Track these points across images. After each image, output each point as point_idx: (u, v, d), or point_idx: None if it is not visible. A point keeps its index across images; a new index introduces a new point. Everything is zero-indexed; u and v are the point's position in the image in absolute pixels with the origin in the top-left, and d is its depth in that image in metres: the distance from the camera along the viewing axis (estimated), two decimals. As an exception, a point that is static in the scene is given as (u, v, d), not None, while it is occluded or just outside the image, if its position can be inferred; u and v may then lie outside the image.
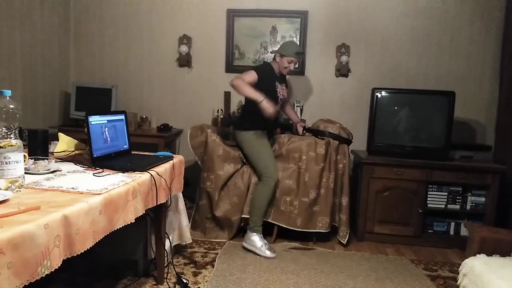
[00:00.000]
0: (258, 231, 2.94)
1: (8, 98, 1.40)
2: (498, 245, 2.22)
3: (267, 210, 3.04)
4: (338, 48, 3.85)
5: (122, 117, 2.23)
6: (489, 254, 2.16)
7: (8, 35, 3.33)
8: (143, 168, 1.88)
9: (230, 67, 4.02)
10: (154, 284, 2.35)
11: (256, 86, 2.89)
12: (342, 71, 3.83)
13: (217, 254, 2.82)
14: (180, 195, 2.54)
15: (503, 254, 2.14)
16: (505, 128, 3.47)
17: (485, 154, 3.39)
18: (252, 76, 2.94)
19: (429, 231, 3.26)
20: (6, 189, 1.36)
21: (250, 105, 2.94)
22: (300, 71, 3.88)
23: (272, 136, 3.28)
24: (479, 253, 2.19)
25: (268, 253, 2.83)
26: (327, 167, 3.06)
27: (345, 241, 3.09)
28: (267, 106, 2.76)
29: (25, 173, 1.49)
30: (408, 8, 3.74)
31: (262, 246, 2.86)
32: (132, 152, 2.28)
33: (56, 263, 1.18)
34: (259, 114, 2.81)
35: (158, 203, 1.93)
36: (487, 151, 3.42)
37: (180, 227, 2.57)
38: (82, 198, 1.37)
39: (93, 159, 1.91)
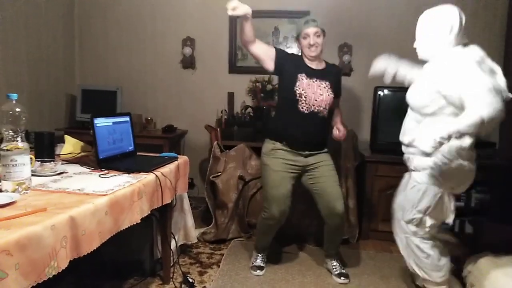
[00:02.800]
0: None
1: (14, 102, 1.43)
2: (504, 242, 2.22)
3: None
4: (341, 48, 3.86)
5: (127, 119, 2.26)
6: (495, 251, 2.16)
7: (13, 39, 3.37)
8: (148, 169, 1.90)
9: (234, 68, 4.04)
10: (161, 284, 2.37)
11: (276, 70, 2.42)
12: (345, 70, 3.82)
13: (223, 254, 2.84)
14: (185, 195, 2.55)
15: (509, 251, 2.14)
16: (509, 124, 3.44)
17: (489, 150, 3.37)
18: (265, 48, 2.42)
19: (434, 229, 3.25)
20: (13, 191, 1.38)
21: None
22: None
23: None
24: (485, 251, 2.19)
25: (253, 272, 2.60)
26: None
27: (355, 241, 3.13)
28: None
29: (32, 175, 1.52)
30: (410, 5, 3.73)
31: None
32: (137, 153, 2.30)
33: (63, 264, 1.20)
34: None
35: (163, 204, 1.95)
36: (491, 147, 3.40)
37: (185, 227, 2.59)
38: (88, 199, 1.40)
39: (99, 161, 1.93)
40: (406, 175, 2.25)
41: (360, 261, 2.82)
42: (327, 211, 2.44)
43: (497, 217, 3.13)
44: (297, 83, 2.36)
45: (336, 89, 2.48)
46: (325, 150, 2.53)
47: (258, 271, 2.58)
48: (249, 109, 3.85)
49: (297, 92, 2.35)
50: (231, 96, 3.97)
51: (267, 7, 3.88)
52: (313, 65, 2.43)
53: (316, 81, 2.38)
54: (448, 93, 1.86)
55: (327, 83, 2.41)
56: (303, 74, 2.38)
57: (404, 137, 2.15)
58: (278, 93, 2.67)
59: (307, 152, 2.44)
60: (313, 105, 2.36)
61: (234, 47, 4.01)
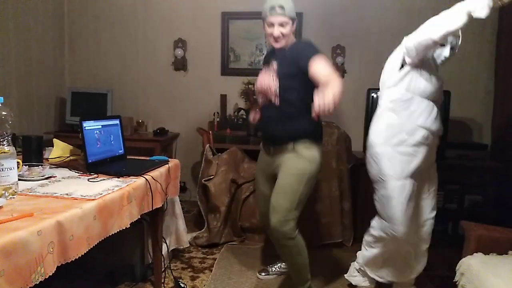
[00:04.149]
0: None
1: (0, 105, 1.40)
2: (495, 243, 2.22)
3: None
4: (334, 49, 3.86)
5: (117, 122, 2.23)
6: (486, 252, 2.15)
7: (2, 41, 3.33)
8: (138, 173, 1.87)
9: (226, 70, 4.03)
10: (152, 289, 2.34)
11: None
12: (338, 72, 3.83)
13: (215, 258, 2.81)
14: (177, 199, 2.53)
15: (500, 253, 2.14)
16: (501, 126, 3.47)
17: (482, 152, 3.39)
18: None
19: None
20: (0, 196, 1.35)
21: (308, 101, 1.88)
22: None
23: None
24: (476, 252, 2.18)
25: None
26: (328, 175, 3.06)
27: (350, 244, 3.12)
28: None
29: (19, 179, 1.49)
30: (402, 8, 3.75)
31: None
32: (128, 157, 2.27)
33: (50, 270, 1.18)
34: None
35: (154, 208, 1.92)
36: (483, 149, 3.42)
37: (177, 231, 2.57)
38: (76, 204, 1.37)
39: (87, 165, 1.90)
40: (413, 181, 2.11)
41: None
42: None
43: (489, 218, 3.15)
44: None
45: (290, 66, 2.01)
46: (290, 146, 2.07)
47: (262, 274, 2.57)
48: (242, 112, 3.84)
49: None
50: (223, 98, 3.95)
51: (259, 9, 3.83)
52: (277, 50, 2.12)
53: (266, 67, 2.10)
54: None
55: (274, 66, 2.05)
56: (266, 65, 2.17)
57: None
58: None
59: (272, 150, 2.18)
60: (263, 96, 2.10)
61: (226, 49, 3.99)
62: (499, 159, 3.32)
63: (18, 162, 1.49)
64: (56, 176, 1.78)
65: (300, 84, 2.01)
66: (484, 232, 2.25)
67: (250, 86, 3.86)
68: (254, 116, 2.31)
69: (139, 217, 1.75)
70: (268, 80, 2.04)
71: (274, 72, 2.05)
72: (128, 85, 4.17)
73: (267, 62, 2.20)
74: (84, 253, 1.34)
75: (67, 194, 1.49)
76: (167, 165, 2.15)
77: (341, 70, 3.84)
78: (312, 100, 1.86)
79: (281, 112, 2.07)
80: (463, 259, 2.18)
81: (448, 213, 3.25)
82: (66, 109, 3.91)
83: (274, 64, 2.07)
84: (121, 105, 4.04)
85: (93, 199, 1.44)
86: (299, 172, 2.05)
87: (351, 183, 3.19)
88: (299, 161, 2.06)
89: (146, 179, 1.84)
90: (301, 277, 2.18)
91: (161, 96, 4.16)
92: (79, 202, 1.41)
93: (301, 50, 2.02)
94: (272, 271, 2.59)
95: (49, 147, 2.29)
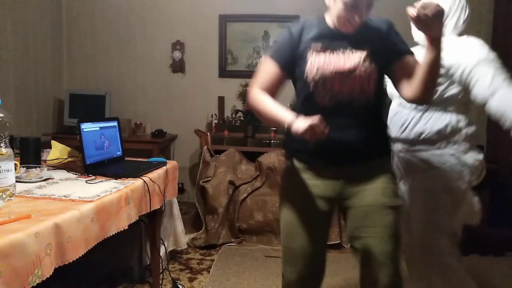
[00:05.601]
0: None
1: (-2, 107, 1.40)
2: (491, 244, 2.24)
3: None
4: (331, 52, 3.87)
5: (115, 123, 2.23)
6: (482, 253, 2.18)
7: (0, 43, 3.33)
8: (136, 174, 1.88)
9: (224, 72, 4.04)
10: (150, 291, 2.34)
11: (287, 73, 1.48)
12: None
13: (213, 260, 2.82)
14: (175, 200, 2.54)
15: (496, 254, 2.16)
16: (496, 128, 3.49)
17: (478, 154, 3.41)
18: (265, 69, 1.50)
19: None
20: (-3, 198, 1.35)
21: None
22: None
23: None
24: (472, 253, 2.20)
25: None
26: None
27: (348, 246, 3.12)
28: (297, 127, 1.20)
29: (17, 181, 1.49)
30: (399, 10, 3.76)
31: None
32: (126, 159, 2.27)
33: (48, 272, 1.17)
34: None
35: (152, 209, 1.92)
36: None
37: (175, 232, 2.57)
38: (74, 206, 1.37)
39: (86, 167, 1.91)
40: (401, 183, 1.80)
41: (350, 266, 2.81)
42: (368, 284, 1.43)
43: (485, 219, 3.16)
44: (308, 62, 1.39)
45: (391, 52, 1.46)
46: (381, 161, 1.46)
47: None
48: (240, 114, 3.85)
49: (308, 75, 1.38)
50: (221, 100, 3.96)
51: (257, 11, 3.89)
52: (341, 26, 1.41)
53: (341, 51, 1.38)
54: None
55: (363, 51, 1.38)
56: (318, 44, 1.39)
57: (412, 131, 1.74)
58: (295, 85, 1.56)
59: (345, 171, 1.41)
60: (339, 91, 1.36)
61: (224, 51, 4.01)
62: (495, 160, 3.34)
63: (15, 164, 1.49)
64: (54, 178, 1.78)
65: None
66: (480, 234, 2.27)
67: (247, 88, 3.88)
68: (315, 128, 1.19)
69: (137, 218, 1.76)
70: (357, 68, 1.37)
71: (366, 57, 1.39)
72: (126, 87, 4.17)
73: (317, 42, 1.42)
74: (82, 255, 1.34)
75: (65, 196, 1.49)
76: (165, 167, 2.15)
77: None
78: None
79: (368, 112, 1.42)
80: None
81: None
82: (64, 111, 3.92)
83: (360, 49, 1.39)
84: (120, 107, 4.05)
85: (91, 201, 1.45)
86: (397, 197, 1.45)
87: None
88: (391, 185, 1.43)
89: (144, 181, 1.85)
90: None
91: (159, 98, 4.17)
92: (77, 204, 1.41)
93: (397, 35, 1.67)
94: None
95: (47, 149, 2.29)
